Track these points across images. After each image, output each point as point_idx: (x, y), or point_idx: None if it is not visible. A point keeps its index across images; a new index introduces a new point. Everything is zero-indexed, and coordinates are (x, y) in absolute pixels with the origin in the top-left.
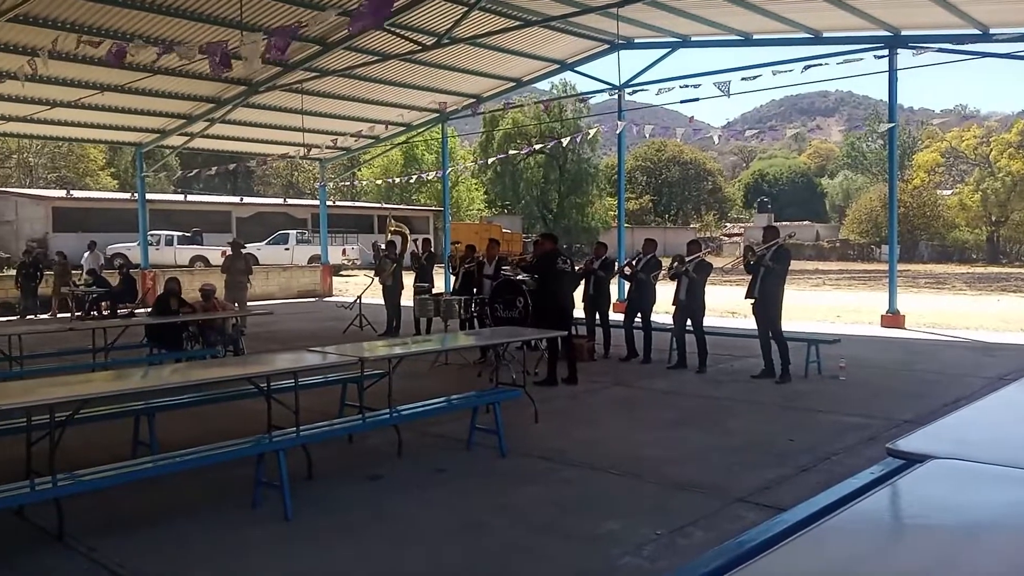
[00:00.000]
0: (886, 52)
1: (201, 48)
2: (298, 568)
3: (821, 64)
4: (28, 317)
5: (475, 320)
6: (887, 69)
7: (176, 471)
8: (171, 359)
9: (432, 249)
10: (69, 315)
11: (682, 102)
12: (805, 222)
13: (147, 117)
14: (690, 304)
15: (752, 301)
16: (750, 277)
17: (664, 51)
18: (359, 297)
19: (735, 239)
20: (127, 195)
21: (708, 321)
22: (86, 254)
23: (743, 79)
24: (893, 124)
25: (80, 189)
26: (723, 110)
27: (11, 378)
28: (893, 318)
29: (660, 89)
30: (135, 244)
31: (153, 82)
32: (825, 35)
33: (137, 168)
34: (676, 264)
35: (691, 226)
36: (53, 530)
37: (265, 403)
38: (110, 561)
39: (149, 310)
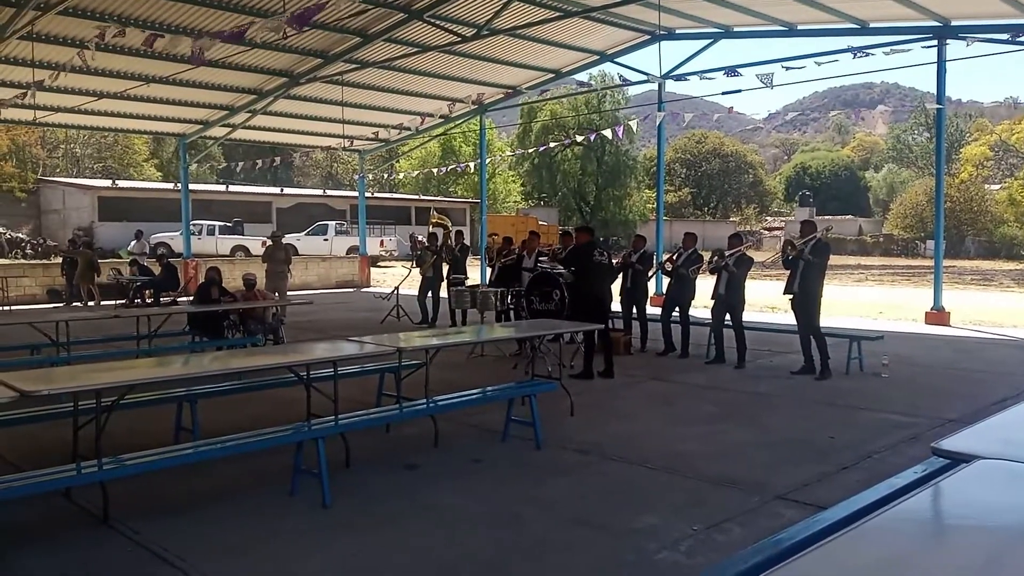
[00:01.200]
0: (935, 42)
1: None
2: (335, 555)
3: (867, 55)
4: (74, 304)
5: (511, 312)
6: (935, 60)
7: (217, 457)
8: (212, 347)
9: (465, 241)
10: (93, 303)
11: (723, 93)
12: (848, 216)
13: (190, 108)
14: (729, 298)
15: (791, 297)
16: (789, 272)
17: (706, 42)
18: (396, 288)
19: (775, 233)
20: (170, 185)
21: (747, 316)
22: (133, 243)
23: (786, 70)
24: (941, 116)
25: (125, 179)
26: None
27: (58, 363)
28: (938, 315)
29: (701, 79)
30: (178, 233)
31: (197, 74)
32: (872, 25)
33: (180, 159)
34: (716, 259)
35: (731, 219)
36: (98, 512)
37: (303, 391)
38: (153, 544)
39: (191, 298)
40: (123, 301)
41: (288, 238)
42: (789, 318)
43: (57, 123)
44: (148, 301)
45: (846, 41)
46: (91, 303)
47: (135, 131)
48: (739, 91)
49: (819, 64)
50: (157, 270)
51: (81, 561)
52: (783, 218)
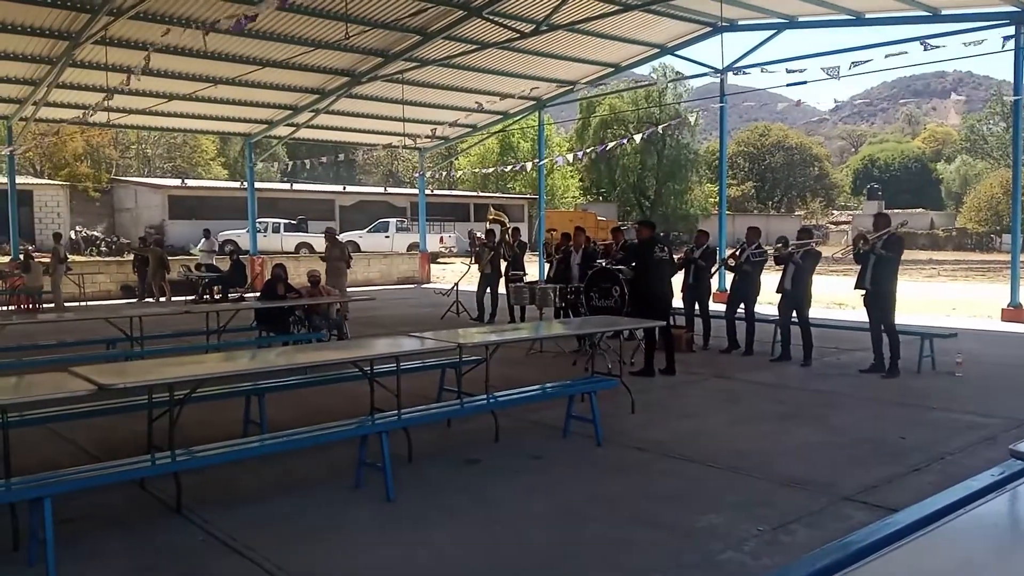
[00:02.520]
0: (1012, 29)
1: None
2: (399, 548)
3: (940, 46)
4: (146, 300)
5: (569, 309)
6: (1013, 48)
7: (285, 450)
8: (279, 342)
9: (522, 237)
10: (164, 299)
11: (788, 85)
12: (919, 210)
13: (256, 108)
14: (795, 294)
15: (863, 292)
16: (859, 267)
17: (769, 33)
18: (456, 284)
19: (842, 227)
20: (237, 184)
21: (813, 312)
22: (202, 241)
23: (853, 63)
24: (1018, 105)
25: (193, 178)
26: (831, 92)
27: (132, 358)
28: (1015, 312)
29: (764, 71)
30: (244, 231)
31: (263, 75)
32: (944, 12)
33: (246, 158)
34: (780, 246)
35: (796, 213)
36: (171, 501)
37: (366, 386)
38: (223, 533)
39: (258, 295)
40: (192, 297)
41: (350, 235)
42: (856, 314)
43: (130, 125)
44: (216, 297)
45: (917, 29)
46: (163, 299)
47: (203, 131)
48: (804, 83)
49: (888, 56)
50: (225, 267)
51: (156, 548)
52: (850, 212)
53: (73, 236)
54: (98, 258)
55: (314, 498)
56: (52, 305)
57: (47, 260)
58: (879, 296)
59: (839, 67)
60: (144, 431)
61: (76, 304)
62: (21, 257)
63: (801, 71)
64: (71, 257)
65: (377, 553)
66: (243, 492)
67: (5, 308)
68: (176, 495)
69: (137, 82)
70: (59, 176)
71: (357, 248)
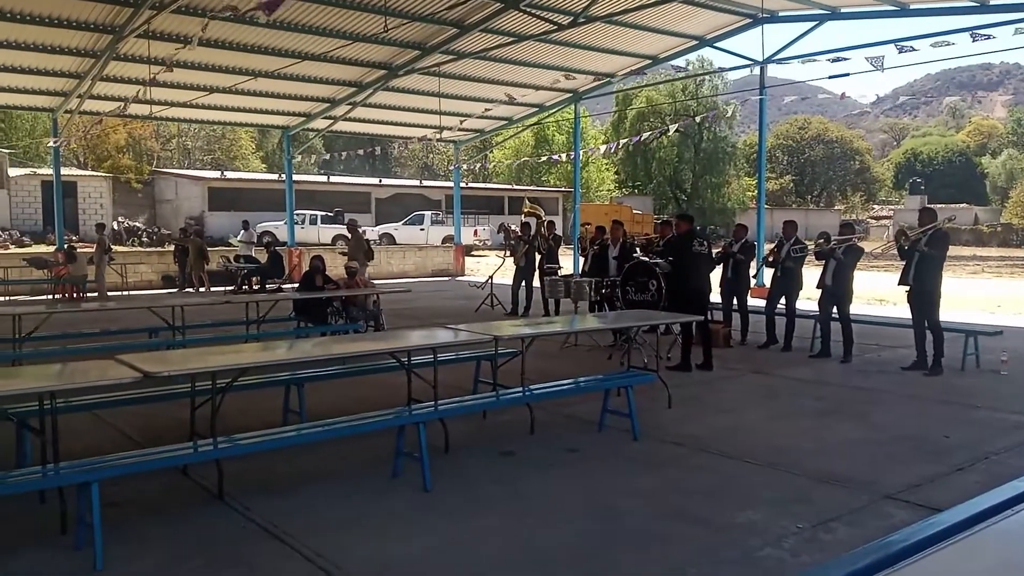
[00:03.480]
0: None
1: None
2: (437, 538)
3: (990, 36)
4: (186, 290)
5: (605, 303)
6: None
7: (324, 439)
8: (317, 333)
9: (556, 230)
10: (203, 290)
11: (830, 77)
12: (963, 205)
13: (294, 101)
14: (836, 289)
15: (907, 288)
16: (903, 263)
17: (811, 24)
18: (490, 277)
19: (883, 222)
20: (274, 176)
21: (854, 308)
22: (241, 232)
23: (899, 51)
24: None
25: (232, 171)
26: (873, 85)
27: (174, 346)
28: None
29: (805, 63)
30: (282, 223)
31: (301, 68)
32: (993, 2)
33: (284, 150)
34: (821, 242)
35: (835, 208)
36: (213, 488)
37: (402, 376)
38: (264, 520)
39: (296, 286)
40: (231, 288)
41: (386, 227)
42: (899, 310)
43: (171, 117)
44: (255, 288)
45: (963, 20)
46: (201, 289)
47: (242, 124)
48: (846, 75)
49: (935, 45)
50: (263, 258)
51: (199, 534)
52: (891, 206)
53: (116, 227)
54: (140, 248)
55: (352, 487)
56: (95, 294)
57: (91, 250)
58: (923, 292)
59: (883, 58)
60: (186, 418)
61: (118, 293)
62: (66, 247)
63: (843, 61)
64: (114, 247)
65: (414, 542)
66: (283, 480)
67: (50, 297)
68: (218, 482)
69: (169, 74)
70: (102, 168)
71: (392, 240)
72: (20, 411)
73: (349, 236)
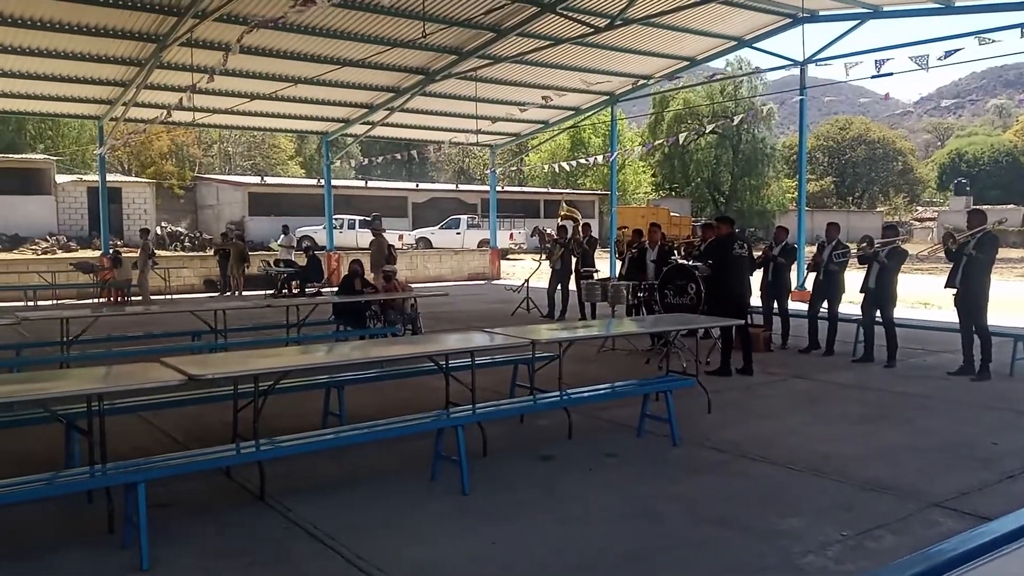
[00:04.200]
0: None
1: None
2: (476, 542)
3: None
4: (227, 294)
5: (643, 306)
6: None
7: (363, 441)
8: (356, 336)
9: (592, 233)
10: (237, 293)
11: (872, 77)
12: (1010, 206)
13: (333, 107)
14: (879, 293)
15: (954, 292)
16: (950, 266)
17: (852, 23)
18: (527, 281)
19: (927, 224)
20: (313, 181)
21: (898, 312)
22: (281, 237)
23: (945, 55)
24: None
25: (272, 176)
26: (916, 84)
27: (217, 349)
28: None
29: (847, 64)
30: (321, 227)
31: (340, 74)
32: None
33: (323, 156)
34: (864, 245)
35: (877, 209)
36: (255, 489)
37: (440, 379)
38: (305, 522)
39: (335, 289)
40: (271, 292)
41: (423, 231)
42: (944, 314)
43: (213, 124)
44: (295, 292)
45: (1011, 16)
46: (238, 292)
47: (282, 130)
48: (889, 74)
49: (982, 43)
50: (303, 262)
51: (241, 535)
52: (935, 208)
53: (159, 232)
54: (182, 253)
55: (392, 489)
56: (139, 298)
57: (136, 255)
58: (971, 296)
59: (927, 57)
60: (228, 420)
61: (161, 297)
62: (111, 252)
63: (886, 60)
64: (157, 252)
65: (453, 545)
66: (323, 481)
67: (96, 300)
68: (260, 483)
69: (220, 82)
70: (146, 174)
71: (429, 244)
72: (69, 412)
73: (373, 239)
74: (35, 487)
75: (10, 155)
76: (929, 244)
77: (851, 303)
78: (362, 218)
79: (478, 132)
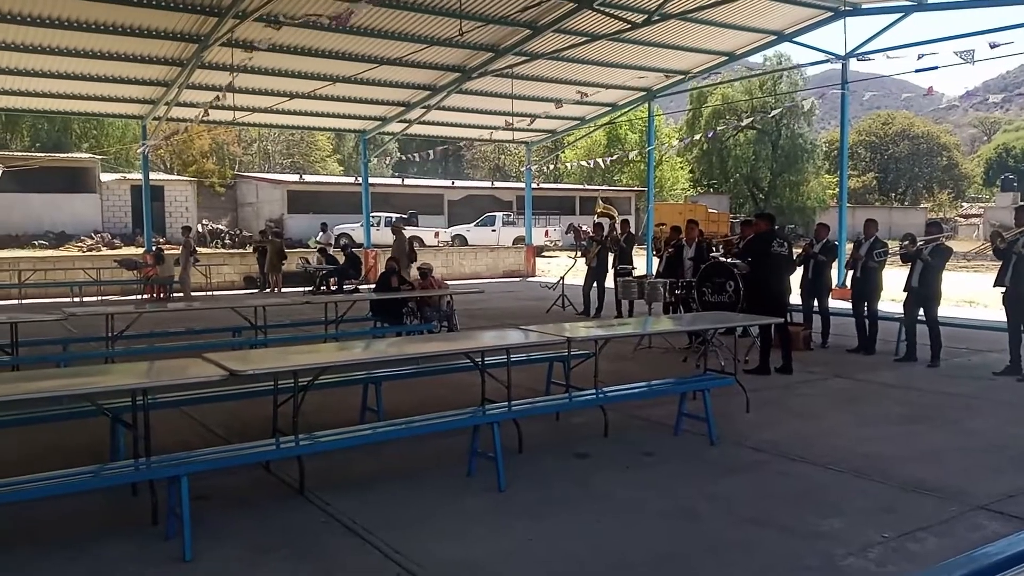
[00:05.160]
0: None
1: None
2: (512, 538)
3: None
4: (266, 290)
5: (680, 304)
6: None
7: (400, 437)
8: (393, 332)
9: (631, 230)
10: (275, 290)
11: (916, 72)
12: None
13: (370, 105)
14: (923, 291)
15: (1002, 291)
16: (997, 263)
17: (896, 16)
18: (562, 278)
19: (972, 221)
20: (351, 179)
21: (942, 311)
22: (320, 234)
23: (992, 47)
24: None
25: (310, 174)
26: (962, 78)
27: (257, 345)
28: None
29: (889, 57)
30: (358, 225)
31: (378, 72)
32: None
33: (361, 154)
34: (907, 244)
35: (921, 206)
36: (294, 483)
37: (475, 376)
38: (343, 516)
39: (372, 286)
40: (310, 289)
41: (458, 229)
42: (991, 313)
43: (253, 123)
44: (333, 289)
45: None
46: (276, 289)
47: (321, 128)
48: (934, 68)
49: None
50: (341, 259)
51: (281, 528)
52: (981, 204)
53: (200, 229)
54: (223, 250)
55: (429, 485)
56: (181, 294)
57: (178, 252)
58: (1020, 295)
59: (973, 51)
60: (268, 415)
61: (202, 293)
62: (154, 249)
63: (931, 55)
64: (198, 249)
65: (490, 542)
66: (361, 476)
67: (139, 297)
68: (299, 477)
69: (252, 80)
70: (187, 172)
71: (464, 242)
72: (114, 407)
73: (394, 237)
74: (82, 479)
75: (56, 154)
76: (975, 242)
77: (893, 301)
78: (399, 215)
79: (514, 129)
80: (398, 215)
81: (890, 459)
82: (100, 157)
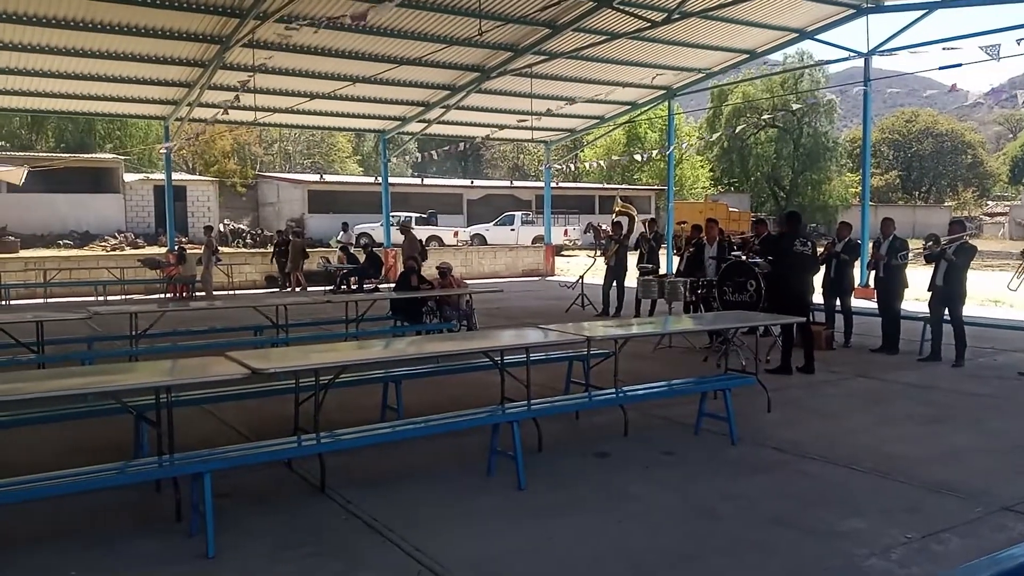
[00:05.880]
0: None
1: None
2: (532, 537)
3: None
4: (286, 289)
5: (701, 303)
6: None
7: (420, 435)
8: (413, 331)
9: (658, 230)
10: (299, 289)
11: (940, 68)
12: None
13: (390, 105)
14: (948, 290)
15: None
16: (1022, 263)
17: (919, 13)
18: (581, 277)
19: (998, 219)
20: (370, 179)
21: (967, 310)
22: (340, 234)
23: (1019, 42)
24: None
25: (330, 174)
26: (987, 74)
27: (278, 344)
28: None
29: (913, 53)
30: (378, 224)
31: (397, 72)
32: None
33: (380, 154)
34: (931, 244)
35: (945, 204)
36: (315, 481)
37: (494, 375)
38: (364, 514)
39: (392, 286)
40: (331, 288)
41: (477, 228)
42: (1016, 313)
43: (274, 123)
44: (353, 288)
45: None
46: (298, 288)
47: (341, 128)
48: (958, 65)
49: None
50: (362, 259)
51: (302, 526)
52: (1007, 202)
53: (222, 229)
54: (244, 250)
55: (449, 483)
56: (202, 293)
57: (200, 251)
58: None
59: (999, 46)
60: (289, 413)
61: (224, 293)
62: (176, 248)
63: (955, 51)
64: (220, 249)
65: (510, 540)
66: (382, 474)
67: (162, 296)
68: (320, 475)
69: (272, 80)
70: (209, 173)
71: (483, 241)
72: (138, 404)
73: (403, 237)
74: (108, 476)
75: (81, 155)
76: (1000, 241)
77: (917, 300)
78: (418, 215)
79: (533, 128)
80: (417, 215)
81: (914, 459)
82: (124, 157)
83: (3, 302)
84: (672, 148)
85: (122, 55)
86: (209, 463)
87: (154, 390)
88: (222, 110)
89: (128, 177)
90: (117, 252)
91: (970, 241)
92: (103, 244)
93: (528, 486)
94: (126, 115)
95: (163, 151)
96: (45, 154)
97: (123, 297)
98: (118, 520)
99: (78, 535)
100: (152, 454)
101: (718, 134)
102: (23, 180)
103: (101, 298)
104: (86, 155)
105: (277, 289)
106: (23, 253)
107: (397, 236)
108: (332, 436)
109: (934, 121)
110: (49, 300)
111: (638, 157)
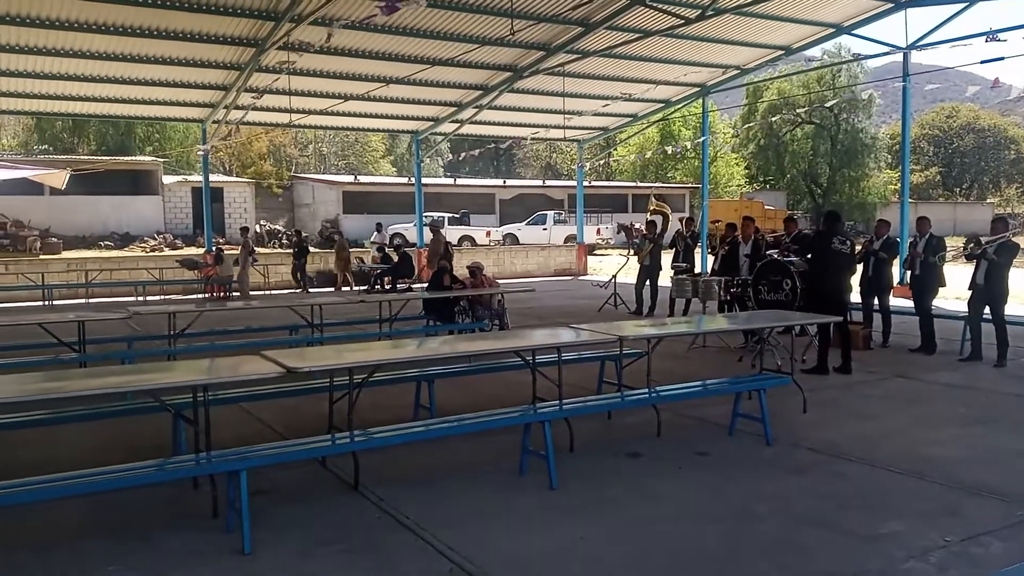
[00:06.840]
0: None
1: None
2: (563, 537)
3: None
4: (310, 290)
5: (735, 302)
6: None
7: (453, 434)
8: (445, 331)
9: (695, 228)
10: (348, 288)
11: (982, 62)
12: None
13: (422, 106)
14: (989, 289)
15: None
16: None
17: (960, 6)
18: (614, 276)
19: None
20: (403, 179)
21: (1009, 309)
22: (375, 234)
23: None
24: None
25: (364, 175)
26: None
27: (313, 343)
28: None
29: (953, 47)
30: (411, 224)
31: (430, 73)
32: None
33: (414, 154)
34: (972, 245)
35: (987, 201)
36: (349, 479)
37: (527, 374)
38: (397, 512)
39: (425, 285)
40: (364, 287)
41: (510, 227)
42: None
43: (309, 124)
44: (387, 287)
45: None
46: (345, 288)
47: (374, 130)
48: (1000, 59)
49: None
50: (395, 259)
51: (336, 523)
52: None
53: (258, 230)
54: (280, 250)
55: (481, 482)
56: (239, 293)
57: (237, 252)
58: None
59: None
60: (323, 412)
61: (260, 293)
62: (214, 249)
63: (1000, 42)
64: (256, 249)
65: (542, 540)
66: (414, 472)
67: (199, 296)
68: (354, 473)
69: (308, 83)
70: (246, 174)
71: (516, 240)
72: (176, 403)
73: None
74: (147, 473)
75: (121, 157)
76: None
77: (958, 299)
78: (451, 215)
79: (565, 127)
80: (450, 215)
81: (953, 461)
82: (163, 160)
83: (47, 302)
84: (706, 138)
85: (161, 59)
86: (245, 461)
87: (192, 389)
88: (255, 101)
89: (167, 179)
90: (156, 253)
91: (1013, 239)
92: (143, 245)
93: (560, 486)
94: (165, 118)
95: (200, 153)
96: (87, 157)
97: (162, 297)
98: (156, 516)
99: (117, 531)
100: (190, 452)
101: (750, 125)
102: (66, 184)
103: (140, 298)
104: (126, 158)
105: (299, 289)
106: (66, 254)
107: (430, 236)
108: (365, 434)
109: (975, 116)
110: (91, 300)
111: (669, 149)
